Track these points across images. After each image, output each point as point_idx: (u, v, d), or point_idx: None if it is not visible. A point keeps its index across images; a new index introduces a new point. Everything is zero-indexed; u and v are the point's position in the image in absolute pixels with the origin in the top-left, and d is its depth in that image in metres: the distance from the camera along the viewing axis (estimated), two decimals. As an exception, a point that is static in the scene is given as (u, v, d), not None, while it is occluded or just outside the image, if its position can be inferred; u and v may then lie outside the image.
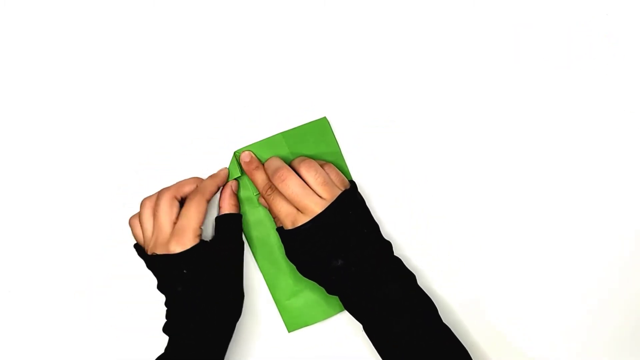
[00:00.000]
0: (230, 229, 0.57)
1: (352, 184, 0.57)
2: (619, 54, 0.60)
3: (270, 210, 0.57)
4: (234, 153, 0.59)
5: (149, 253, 0.54)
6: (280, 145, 0.59)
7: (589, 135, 0.60)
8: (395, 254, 0.56)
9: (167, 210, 0.54)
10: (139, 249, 0.56)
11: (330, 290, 0.55)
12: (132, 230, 0.57)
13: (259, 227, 0.60)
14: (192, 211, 0.54)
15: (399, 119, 0.60)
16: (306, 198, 0.53)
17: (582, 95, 0.60)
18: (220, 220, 0.57)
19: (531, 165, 0.60)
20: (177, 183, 0.57)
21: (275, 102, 0.60)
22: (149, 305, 0.59)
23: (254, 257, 0.60)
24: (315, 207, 0.53)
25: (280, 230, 0.56)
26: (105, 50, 0.60)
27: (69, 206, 0.61)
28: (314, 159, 0.57)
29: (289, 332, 0.60)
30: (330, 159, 0.59)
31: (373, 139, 0.60)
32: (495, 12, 0.60)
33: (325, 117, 0.60)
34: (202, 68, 0.60)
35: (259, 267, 0.60)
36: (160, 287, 0.55)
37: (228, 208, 0.57)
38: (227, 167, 0.59)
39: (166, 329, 0.55)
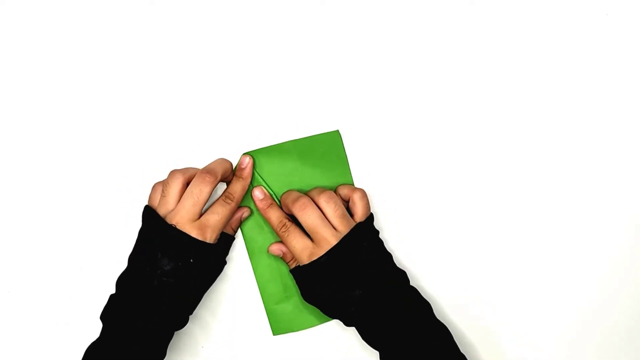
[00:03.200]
0: (222, 249, 0.58)
1: (370, 216, 0.57)
2: (619, 54, 0.60)
3: (286, 246, 0.57)
4: (242, 155, 0.59)
5: (169, 223, 0.53)
6: (290, 152, 0.59)
7: (589, 135, 0.60)
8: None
9: (206, 196, 0.54)
10: (149, 211, 0.55)
11: (348, 322, 0.55)
12: (151, 192, 0.57)
13: (258, 230, 0.60)
14: (223, 214, 0.55)
15: (410, 140, 0.60)
16: (324, 229, 0.54)
17: (582, 96, 0.60)
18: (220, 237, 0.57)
19: (538, 171, 0.60)
20: (217, 167, 0.56)
21: (290, 110, 0.60)
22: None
23: (249, 257, 0.60)
24: (331, 239, 0.54)
25: (296, 269, 0.57)
26: (119, 56, 0.60)
27: (71, 208, 0.61)
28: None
29: (273, 335, 0.60)
30: (338, 172, 0.59)
31: (383, 157, 0.60)
32: (495, 13, 0.60)
33: (337, 131, 0.60)
34: (207, 75, 0.60)
35: (253, 268, 0.60)
36: (140, 256, 0.54)
37: (229, 229, 0.59)
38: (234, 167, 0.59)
39: (110, 312, 0.54)
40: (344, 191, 0.58)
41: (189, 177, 0.55)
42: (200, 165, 0.58)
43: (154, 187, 0.57)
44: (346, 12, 0.60)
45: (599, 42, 0.60)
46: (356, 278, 0.54)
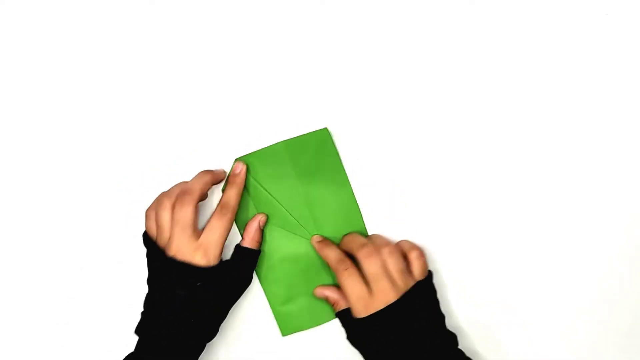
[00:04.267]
0: (246, 265, 0.58)
1: (429, 273, 0.57)
2: (619, 54, 0.60)
3: (342, 287, 0.56)
4: (235, 160, 0.59)
5: (169, 255, 0.54)
6: (282, 154, 0.59)
7: (589, 135, 0.60)
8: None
9: (190, 216, 0.54)
10: (148, 240, 0.56)
11: None
12: (146, 221, 0.57)
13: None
14: (221, 229, 0.55)
15: (402, 132, 0.60)
16: (386, 281, 0.53)
17: (582, 95, 0.60)
18: (240, 251, 0.57)
19: (538, 173, 0.60)
20: (194, 185, 0.56)
21: (276, 110, 0.60)
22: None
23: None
24: (390, 292, 0.53)
25: (345, 315, 0.56)
26: (118, 56, 0.60)
27: (71, 208, 0.61)
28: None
29: (282, 335, 0.60)
30: (331, 170, 0.59)
31: (374, 151, 0.60)
32: (495, 13, 0.60)
33: (326, 128, 0.59)
34: (204, 75, 0.60)
35: (256, 270, 0.60)
36: (155, 284, 0.55)
37: (249, 242, 0.58)
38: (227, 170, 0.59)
39: (142, 328, 0.55)
40: (402, 246, 0.57)
41: (175, 200, 0.55)
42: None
43: (146, 214, 0.57)
44: (342, 9, 0.60)
45: (599, 42, 0.60)
46: (409, 338, 0.53)
